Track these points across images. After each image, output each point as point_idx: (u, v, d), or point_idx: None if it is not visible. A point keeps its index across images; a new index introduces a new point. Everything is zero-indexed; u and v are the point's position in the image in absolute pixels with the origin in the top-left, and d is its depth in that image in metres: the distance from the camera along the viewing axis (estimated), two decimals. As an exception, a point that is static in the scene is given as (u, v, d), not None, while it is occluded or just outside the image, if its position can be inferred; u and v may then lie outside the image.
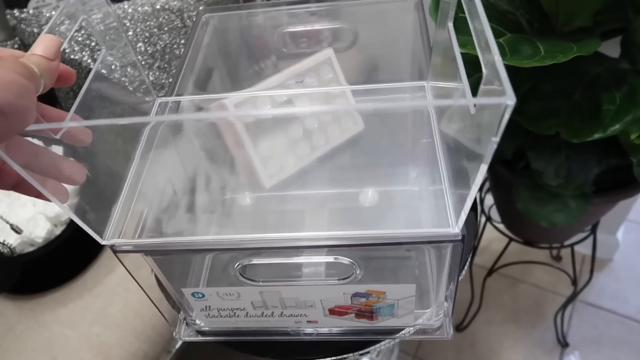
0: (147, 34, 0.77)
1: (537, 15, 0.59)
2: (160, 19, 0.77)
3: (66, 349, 0.70)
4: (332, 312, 0.40)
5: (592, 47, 0.49)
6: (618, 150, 0.62)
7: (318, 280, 0.38)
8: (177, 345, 0.84)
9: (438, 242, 0.32)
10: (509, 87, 0.23)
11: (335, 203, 0.51)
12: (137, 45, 0.77)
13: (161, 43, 0.77)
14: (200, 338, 0.45)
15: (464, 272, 0.46)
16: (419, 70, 0.50)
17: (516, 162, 0.71)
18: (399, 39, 0.58)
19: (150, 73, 0.78)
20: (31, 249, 0.73)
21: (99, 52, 0.77)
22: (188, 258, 0.44)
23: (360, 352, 0.43)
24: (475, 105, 0.27)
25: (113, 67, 0.67)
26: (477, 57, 0.32)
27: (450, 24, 0.36)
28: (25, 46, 0.80)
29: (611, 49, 0.60)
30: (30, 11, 0.77)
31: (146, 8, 0.77)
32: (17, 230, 0.69)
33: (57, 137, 0.32)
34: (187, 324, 0.45)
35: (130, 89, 0.76)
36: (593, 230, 0.83)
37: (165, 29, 0.77)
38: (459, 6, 0.35)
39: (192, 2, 0.79)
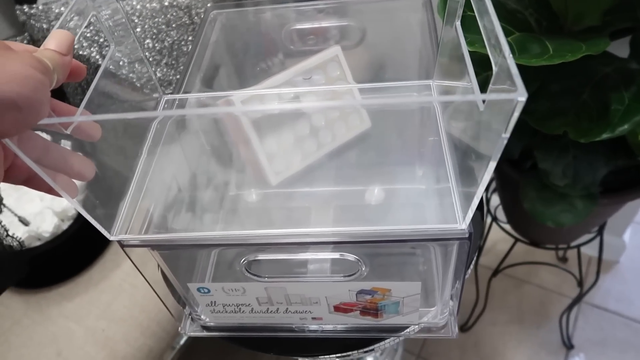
0: (155, 31, 0.77)
1: (546, 14, 0.59)
2: (168, 15, 0.77)
3: (71, 343, 0.71)
4: (337, 309, 0.40)
5: (601, 47, 0.49)
6: (626, 150, 0.61)
7: (323, 277, 0.38)
8: (182, 342, 0.85)
9: (445, 240, 0.31)
10: (520, 83, 0.23)
11: (341, 200, 0.51)
12: (145, 42, 0.77)
13: (169, 40, 0.77)
14: (205, 333, 0.45)
15: (469, 271, 0.46)
16: (425, 69, 0.50)
17: (523, 162, 0.71)
18: (406, 38, 0.58)
19: (158, 69, 0.78)
20: (38, 243, 0.73)
21: (107, 48, 0.77)
22: (194, 253, 0.44)
23: (365, 349, 0.43)
24: (484, 102, 0.27)
25: (121, 63, 0.67)
26: (484, 56, 0.32)
27: (458, 23, 0.36)
28: (34, 42, 0.80)
29: (620, 48, 0.60)
30: (40, 7, 0.77)
31: (154, 5, 0.77)
32: (24, 222, 0.69)
33: (68, 131, 0.32)
34: (192, 319, 0.45)
35: (138, 85, 0.76)
36: (600, 232, 0.82)
37: (173, 25, 0.78)
38: (467, 5, 0.35)
39: (200, -1, 0.80)
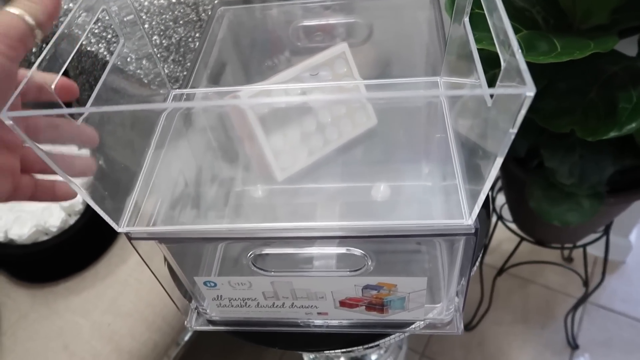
0: (162, 27, 0.77)
1: (554, 13, 0.58)
2: (175, 12, 0.78)
3: (78, 337, 0.71)
4: (343, 304, 0.40)
5: (610, 44, 0.49)
6: (634, 150, 0.61)
7: (329, 272, 0.38)
8: (186, 338, 0.85)
9: (451, 235, 0.32)
10: (529, 78, 0.23)
11: (347, 197, 0.51)
12: (153, 38, 0.77)
13: (176, 36, 0.78)
14: (211, 327, 0.45)
15: (475, 267, 0.46)
16: (432, 67, 0.50)
17: (529, 160, 0.71)
18: (414, 35, 0.58)
19: (165, 66, 0.79)
20: (45, 237, 0.74)
21: (115, 45, 0.78)
22: (201, 247, 0.44)
23: (370, 345, 0.43)
24: (492, 98, 0.27)
25: (129, 59, 0.67)
26: (492, 55, 0.32)
27: (467, 19, 0.36)
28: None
29: (628, 47, 0.60)
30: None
31: (162, 1, 0.77)
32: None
33: (78, 123, 0.32)
34: (198, 313, 0.45)
35: (145, 81, 0.77)
36: (606, 231, 0.82)
37: (181, 22, 0.78)
38: (475, 2, 0.35)
39: (207, -4, 0.80)
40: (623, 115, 0.54)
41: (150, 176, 0.40)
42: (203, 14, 0.80)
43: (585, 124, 0.56)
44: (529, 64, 0.24)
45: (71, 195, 0.34)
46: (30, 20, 0.27)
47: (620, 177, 0.64)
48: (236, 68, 0.62)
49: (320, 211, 0.50)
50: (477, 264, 0.52)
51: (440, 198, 0.46)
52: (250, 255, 0.37)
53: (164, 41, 0.77)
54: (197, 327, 0.46)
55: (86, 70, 0.77)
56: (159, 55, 0.78)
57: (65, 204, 0.74)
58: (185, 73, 0.81)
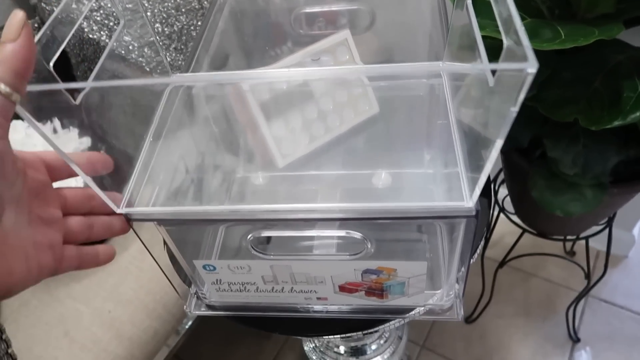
0: (164, 15, 0.77)
1: (558, 2, 0.58)
2: (178, 0, 0.77)
3: (79, 323, 0.72)
4: (342, 289, 0.40)
5: (615, 32, 0.48)
6: (638, 140, 0.61)
7: (329, 256, 0.38)
8: (187, 327, 0.85)
9: (452, 217, 0.31)
10: (531, 54, 0.23)
11: (348, 184, 0.50)
12: (155, 26, 0.77)
13: (178, 24, 0.77)
14: (210, 312, 0.45)
15: (476, 254, 0.45)
16: (435, 54, 0.50)
17: (532, 151, 0.70)
18: (417, 22, 0.57)
19: (167, 54, 0.78)
20: (47, 225, 0.74)
21: (117, 32, 0.78)
22: (200, 230, 0.44)
23: (370, 330, 0.43)
24: (494, 76, 0.27)
25: (130, 47, 0.67)
26: (495, 43, 0.31)
27: (469, 1, 0.36)
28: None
29: (634, 37, 0.59)
30: (51, -10, 0.77)
31: (164, -11, 0.77)
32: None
33: (77, 102, 0.32)
34: (197, 298, 0.45)
35: (147, 69, 0.76)
36: (609, 223, 0.81)
37: (183, 10, 0.78)
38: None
39: (210, -15, 0.79)
40: (627, 104, 0.53)
41: (150, 162, 0.39)
42: (205, 2, 0.79)
43: (590, 113, 0.56)
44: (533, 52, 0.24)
45: (112, 256, 0.36)
46: (4, 88, 0.24)
47: (624, 168, 0.64)
48: (237, 55, 0.62)
49: (321, 198, 0.50)
50: (478, 254, 0.51)
51: (441, 185, 0.45)
52: (250, 237, 0.37)
53: (166, 29, 0.77)
54: (197, 312, 0.46)
55: (88, 58, 0.77)
56: (161, 43, 0.78)
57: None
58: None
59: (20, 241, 0.28)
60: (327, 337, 0.44)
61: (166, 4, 0.77)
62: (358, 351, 0.73)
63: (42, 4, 0.78)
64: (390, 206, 0.31)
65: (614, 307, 1.09)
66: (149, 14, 0.77)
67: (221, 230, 0.45)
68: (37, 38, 0.29)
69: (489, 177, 0.35)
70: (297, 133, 0.51)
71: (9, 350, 0.63)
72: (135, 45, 0.58)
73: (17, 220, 0.28)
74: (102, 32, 0.76)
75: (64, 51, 0.32)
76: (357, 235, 0.35)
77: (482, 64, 0.27)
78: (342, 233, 0.36)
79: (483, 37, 0.34)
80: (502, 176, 0.88)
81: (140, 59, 0.74)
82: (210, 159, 0.52)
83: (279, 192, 0.52)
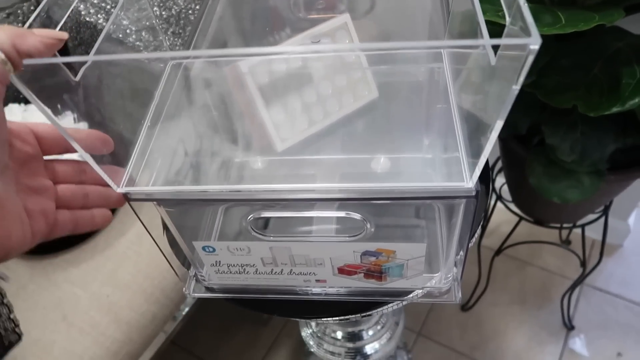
0: (162, -1, 0.76)
1: (559, -13, 0.58)
2: (176, -17, 0.77)
3: (76, 308, 0.72)
4: (342, 271, 0.40)
5: (615, 17, 0.48)
6: (636, 127, 0.61)
7: (328, 237, 0.38)
8: (184, 313, 0.86)
9: (452, 198, 0.31)
10: (534, 30, 0.23)
11: (347, 168, 0.50)
12: (153, 9, 0.76)
13: (176, 8, 0.77)
14: (209, 294, 0.46)
15: (474, 238, 0.46)
16: (436, 38, 0.50)
17: (530, 138, 0.70)
18: (417, 7, 0.57)
19: (165, 38, 0.78)
20: (44, 209, 0.74)
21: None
22: (200, 211, 0.44)
23: (368, 312, 0.43)
24: (496, 55, 0.27)
25: (128, 31, 0.66)
26: (495, 29, 0.31)
27: (471, -18, 0.36)
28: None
29: (633, 24, 0.59)
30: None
31: (162, -28, 0.76)
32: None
33: (77, 79, 0.32)
34: (196, 280, 0.45)
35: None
36: (605, 212, 0.82)
37: (181, -6, 0.77)
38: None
39: (208, -31, 0.79)
40: (626, 91, 0.53)
41: (148, 145, 0.39)
42: (204, -14, 0.79)
43: (588, 100, 0.56)
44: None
45: (108, 219, 0.36)
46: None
47: (622, 156, 0.64)
48: (236, 39, 0.61)
49: (320, 182, 0.50)
50: (476, 238, 0.52)
51: (440, 170, 0.45)
52: (249, 218, 0.37)
53: (163, 13, 0.77)
54: (195, 295, 0.46)
55: (85, 42, 0.77)
56: (159, 27, 0.77)
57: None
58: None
59: (13, 206, 0.28)
60: (325, 319, 0.45)
61: (164, -13, 0.76)
62: (355, 337, 0.74)
63: (39, -14, 0.77)
64: (390, 186, 0.31)
65: (608, 296, 1.10)
66: (146, -3, 0.77)
67: (221, 212, 0.45)
68: (30, 20, 0.28)
69: (487, 163, 0.36)
70: (296, 117, 0.51)
71: (11, 316, 0.63)
72: (133, 29, 0.57)
73: (6, 189, 0.28)
74: (99, 15, 0.76)
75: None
76: (356, 216, 0.35)
77: (484, 40, 0.26)
78: (341, 214, 0.36)
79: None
80: (499, 165, 0.89)
81: (138, 42, 0.73)
82: (208, 143, 0.52)
83: (278, 176, 0.52)
